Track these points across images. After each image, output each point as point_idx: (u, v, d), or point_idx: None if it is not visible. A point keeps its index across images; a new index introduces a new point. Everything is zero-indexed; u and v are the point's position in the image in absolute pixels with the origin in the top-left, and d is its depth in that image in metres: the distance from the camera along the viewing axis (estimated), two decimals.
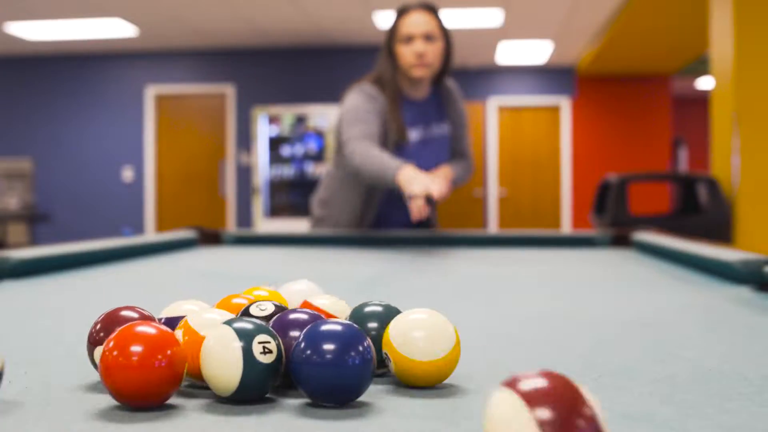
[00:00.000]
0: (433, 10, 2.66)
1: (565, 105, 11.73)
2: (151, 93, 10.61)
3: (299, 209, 9.70)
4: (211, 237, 2.63)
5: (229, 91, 10.53)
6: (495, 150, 11.83)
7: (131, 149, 10.64)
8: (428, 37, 2.60)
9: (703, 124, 13.92)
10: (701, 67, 11.23)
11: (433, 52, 2.61)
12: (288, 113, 9.61)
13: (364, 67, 9.85)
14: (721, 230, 4.71)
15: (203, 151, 10.75)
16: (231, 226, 10.52)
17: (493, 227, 11.57)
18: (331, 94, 10.11)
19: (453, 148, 2.85)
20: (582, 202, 11.67)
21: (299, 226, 9.50)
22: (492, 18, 8.62)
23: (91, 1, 7.95)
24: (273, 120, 9.68)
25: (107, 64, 10.63)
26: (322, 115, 9.47)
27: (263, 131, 9.66)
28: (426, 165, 2.58)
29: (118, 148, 10.64)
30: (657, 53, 10.15)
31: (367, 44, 10.15)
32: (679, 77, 12.10)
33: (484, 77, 11.77)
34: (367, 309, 0.79)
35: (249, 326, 0.67)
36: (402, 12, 2.64)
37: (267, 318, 0.79)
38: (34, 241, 10.69)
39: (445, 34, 2.68)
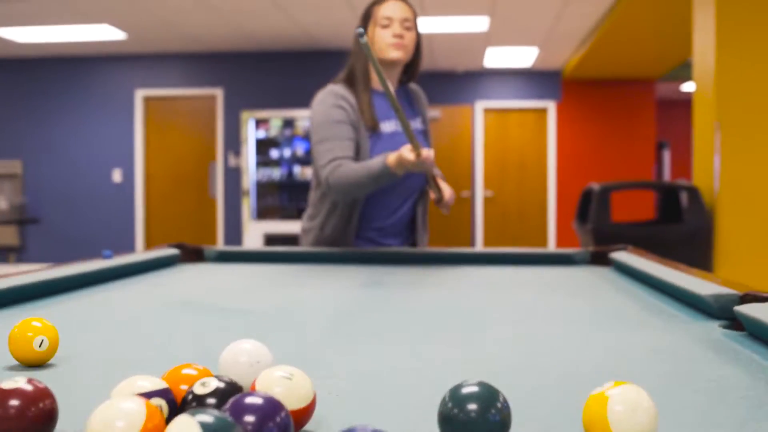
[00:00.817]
0: (408, 3, 2.67)
1: (551, 108, 11.84)
2: (140, 96, 10.64)
3: (287, 212, 9.77)
4: (193, 254, 2.66)
5: (217, 94, 10.58)
6: (481, 153, 11.93)
7: (121, 152, 10.68)
8: (406, 24, 2.60)
9: (686, 125, 14.03)
10: (685, 72, 11.34)
11: (409, 38, 2.61)
12: (276, 117, 9.67)
13: None
14: (702, 238, 4.81)
15: (193, 154, 10.80)
16: (220, 229, 10.57)
17: (479, 227, 11.67)
18: None
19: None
20: (567, 204, 11.78)
21: (287, 227, 9.57)
22: (479, 24, 8.71)
23: (79, 7, 7.99)
24: (261, 123, 9.74)
25: (97, 67, 10.66)
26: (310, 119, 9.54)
27: (251, 134, 9.72)
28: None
29: (108, 150, 10.67)
30: (642, 59, 10.25)
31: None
32: (663, 81, 12.21)
33: (471, 81, 11.86)
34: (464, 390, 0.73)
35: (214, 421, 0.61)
36: (377, 1, 2.65)
37: (213, 395, 0.75)
38: (24, 243, 10.72)
39: (417, 30, 2.66)
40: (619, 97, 11.84)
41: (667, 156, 13.04)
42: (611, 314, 1.57)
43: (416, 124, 2.75)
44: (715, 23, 4.88)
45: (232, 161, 10.46)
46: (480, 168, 11.90)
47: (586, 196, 5.20)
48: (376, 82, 2.70)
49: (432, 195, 2.60)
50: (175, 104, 10.81)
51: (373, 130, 2.62)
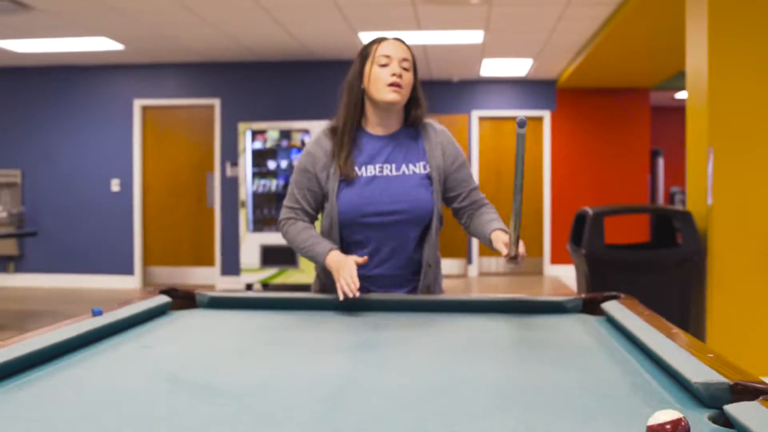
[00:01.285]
0: (406, 44, 2.65)
1: (545, 117, 11.90)
2: (138, 105, 10.68)
3: None
4: (184, 301, 2.66)
5: (215, 104, 10.62)
6: (477, 161, 11.99)
7: (119, 161, 10.71)
8: (404, 65, 2.58)
9: (680, 132, 14.08)
10: (680, 81, 11.40)
11: (407, 78, 2.59)
12: (273, 128, 9.71)
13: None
14: (695, 264, 4.87)
15: (191, 163, 10.85)
16: (217, 239, 10.61)
17: (475, 241, 11.73)
18: (316, 111, 10.22)
19: (467, 197, 2.73)
20: (562, 212, 11.84)
21: (282, 239, 9.60)
22: (473, 37, 8.77)
23: (77, 21, 8.03)
24: (258, 134, 9.78)
25: (96, 76, 10.70)
26: (307, 131, 9.57)
27: (248, 146, 9.76)
28: (380, 199, 2.61)
29: (106, 159, 10.71)
30: (636, 70, 10.32)
31: (353, 60, 10.25)
32: (657, 90, 12.27)
33: (466, 90, 11.92)
34: None
35: None
36: (378, 40, 2.64)
37: None
38: (23, 252, 10.76)
39: (416, 71, 2.65)
40: (614, 106, 11.91)
41: (661, 163, 13.10)
42: (590, 395, 1.53)
43: (414, 168, 2.66)
44: (708, 40, 4.93)
45: (229, 171, 10.51)
46: (476, 176, 11.96)
47: (580, 220, 5.25)
48: (371, 125, 2.68)
49: (504, 251, 2.46)
50: (173, 114, 10.86)
51: (348, 177, 2.60)
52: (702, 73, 4.99)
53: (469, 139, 11.96)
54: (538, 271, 12.08)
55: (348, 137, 2.62)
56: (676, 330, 1.99)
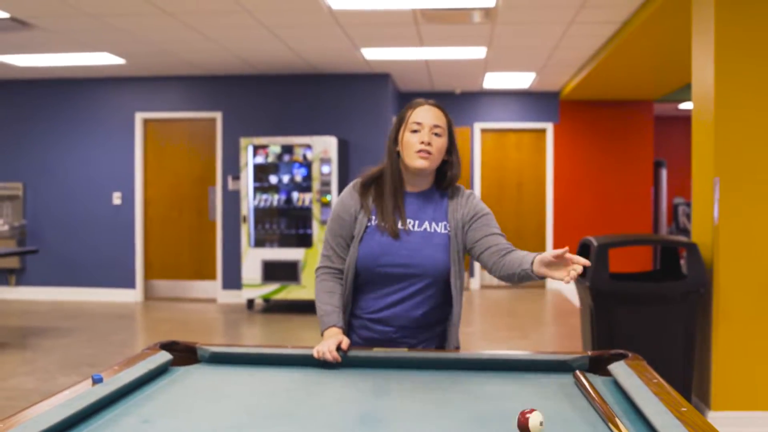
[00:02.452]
0: (442, 109, 2.75)
1: (548, 129, 11.87)
2: (140, 118, 10.65)
3: (285, 239, 9.78)
4: (185, 355, 2.63)
5: (217, 117, 10.59)
6: (479, 173, 11.96)
7: (121, 174, 10.69)
8: (436, 131, 2.68)
9: (683, 142, 14.06)
10: (684, 94, 11.36)
11: (437, 145, 2.67)
12: (274, 144, 9.67)
13: (351, 95, 9.98)
14: (701, 295, 4.83)
15: (192, 177, 10.82)
16: (219, 253, 10.58)
17: None
18: (318, 126, 10.20)
19: (490, 240, 2.68)
20: (565, 224, 11.83)
21: (285, 254, 9.58)
22: (476, 53, 8.73)
23: (78, 38, 8.01)
24: (259, 149, 9.74)
25: (97, 89, 10.67)
26: (308, 146, 9.54)
27: (250, 160, 9.72)
28: (398, 252, 2.68)
29: (108, 172, 10.68)
30: (640, 83, 10.28)
31: (355, 73, 10.25)
32: (661, 102, 12.23)
33: (469, 102, 11.89)
34: None
35: None
36: (414, 105, 2.74)
37: None
38: (24, 265, 10.73)
39: (451, 134, 2.74)
40: (617, 118, 11.87)
41: (664, 174, 13.04)
42: None
43: (438, 228, 2.71)
44: (714, 60, 4.90)
45: (231, 185, 10.48)
46: (478, 188, 11.93)
47: (584, 249, 5.21)
48: (409, 185, 2.76)
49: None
50: (175, 127, 10.83)
51: (394, 235, 2.68)
52: (708, 103, 4.96)
53: (472, 151, 11.93)
54: (540, 285, 12.04)
55: (391, 197, 2.72)
56: (686, 408, 1.95)
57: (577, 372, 2.40)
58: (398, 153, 2.74)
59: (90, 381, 2.16)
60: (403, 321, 2.73)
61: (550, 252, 2.33)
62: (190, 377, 2.45)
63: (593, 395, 2.14)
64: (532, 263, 2.42)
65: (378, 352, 2.64)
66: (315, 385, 2.37)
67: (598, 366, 2.55)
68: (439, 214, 2.74)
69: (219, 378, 2.46)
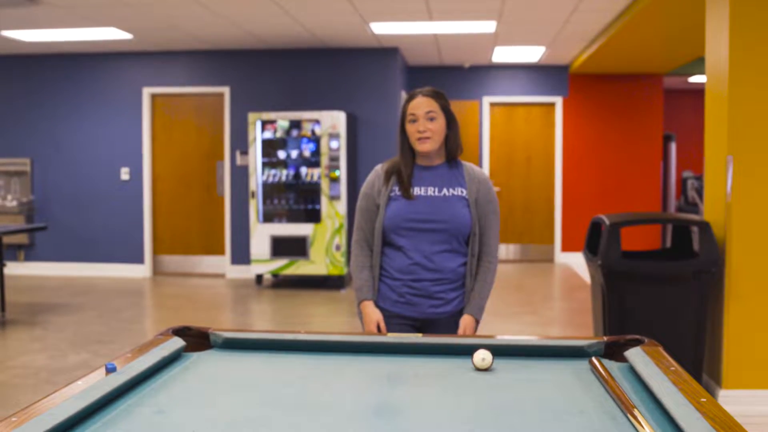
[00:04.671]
0: (434, 95, 3.15)
1: (558, 103, 11.79)
2: (147, 93, 10.61)
3: (294, 213, 9.76)
4: (198, 341, 2.62)
5: (224, 92, 10.54)
6: (488, 147, 11.91)
7: (129, 149, 10.66)
8: (430, 117, 3.11)
9: (692, 116, 13.97)
10: (694, 67, 11.27)
11: (433, 128, 3.11)
12: (283, 119, 9.63)
13: (360, 70, 9.91)
14: (713, 276, 4.80)
15: (200, 152, 10.79)
16: (227, 229, 10.57)
17: None
18: (326, 101, 10.14)
19: (477, 238, 3.19)
20: (574, 198, 11.79)
21: (293, 230, 9.57)
22: (486, 27, 8.65)
23: (85, 13, 7.95)
24: (268, 124, 9.70)
25: (104, 65, 10.62)
26: (317, 121, 9.49)
27: (258, 135, 9.68)
28: (423, 210, 3.14)
29: (115, 148, 10.66)
30: (651, 57, 10.19)
31: (364, 48, 10.18)
32: (671, 75, 12.13)
33: (478, 76, 11.81)
34: None
35: None
36: (410, 97, 3.16)
37: None
38: (32, 241, 10.75)
39: (446, 113, 3.15)
40: (627, 92, 11.79)
41: (673, 148, 12.96)
42: None
43: (455, 191, 3.17)
44: (729, 36, 4.84)
45: (239, 160, 10.45)
46: (486, 163, 11.88)
47: (595, 228, 5.18)
48: (419, 159, 3.22)
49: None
50: (183, 102, 10.78)
51: (412, 197, 3.16)
52: (722, 79, 4.90)
53: (480, 125, 11.86)
54: (549, 259, 12.03)
55: (404, 168, 3.20)
56: (705, 399, 1.92)
57: (593, 359, 2.38)
58: (407, 139, 3.20)
59: (103, 370, 2.15)
60: (435, 275, 3.14)
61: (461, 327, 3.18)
62: (204, 364, 2.44)
63: (611, 384, 2.12)
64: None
65: (391, 337, 2.63)
66: (330, 373, 2.36)
67: (613, 352, 2.53)
68: (454, 181, 3.19)
69: (233, 365, 2.44)
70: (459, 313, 3.20)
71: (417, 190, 3.17)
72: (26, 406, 1.85)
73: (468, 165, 3.27)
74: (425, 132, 3.11)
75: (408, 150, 3.21)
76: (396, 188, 3.20)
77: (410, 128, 3.14)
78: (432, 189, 3.17)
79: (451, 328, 3.19)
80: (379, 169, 3.31)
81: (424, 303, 3.15)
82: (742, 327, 4.83)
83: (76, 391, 1.99)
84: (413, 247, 3.14)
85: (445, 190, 3.17)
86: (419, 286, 3.14)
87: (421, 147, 3.13)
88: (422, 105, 3.11)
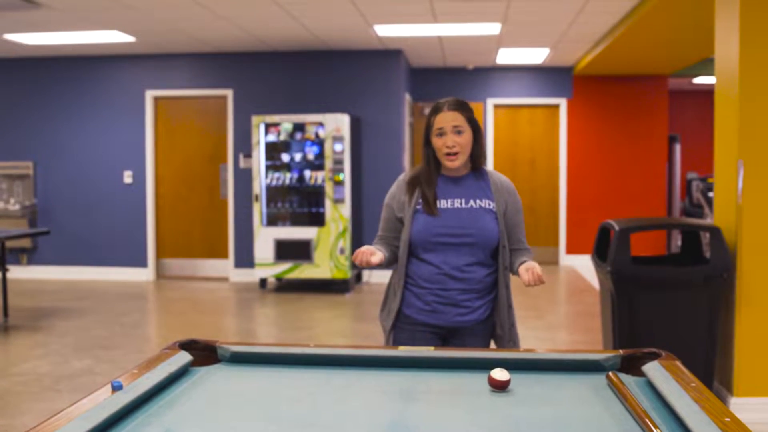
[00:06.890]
0: (460, 107, 3.11)
1: (562, 104, 11.74)
2: (150, 96, 10.57)
3: (297, 217, 9.71)
4: (205, 354, 2.57)
5: (228, 94, 10.49)
6: (492, 149, 11.86)
7: (132, 153, 10.62)
8: (457, 131, 3.07)
9: (697, 117, 13.92)
10: (699, 69, 11.21)
11: (461, 142, 3.08)
12: (286, 121, 9.58)
13: (363, 72, 9.86)
14: (724, 281, 4.74)
15: (204, 155, 10.74)
16: (231, 232, 10.52)
17: None
18: (330, 103, 10.08)
19: (512, 237, 3.21)
20: (578, 200, 11.75)
21: (297, 233, 9.51)
22: (490, 29, 8.60)
23: (88, 16, 7.91)
24: (271, 127, 9.64)
25: (107, 68, 10.58)
26: (321, 124, 9.44)
27: (262, 138, 9.63)
28: (451, 224, 3.10)
29: (118, 151, 10.61)
30: (656, 58, 10.14)
31: (367, 50, 10.13)
32: (675, 77, 12.07)
33: (482, 77, 11.77)
34: None
35: None
36: (435, 110, 3.12)
37: None
38: (35, 245, 10.70)
39: (473, 125, 3.12)
40: (631, 93, 11.74)
41: (677, 149, 12.92)
42: None
43: (482, 203, 3.15)
44: (739, 32, 4.78)
45: (242, 163, 10.40)
46: (490, 165, 11.82)
47: (604, 233, 5.12)
48: (444, 170, 3.18)
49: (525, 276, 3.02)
50: (186, 105, 10.74)
51: (431, 213, 3.11)
52: (733, 81, 4.84)
53: (484, 127, 11.80)
54: (554, 261, 11.97)
55: (427, 185, 3.15)
56: (729, 419, 1.87)
57: (611, 374, 2.32)
58: (433, 152, 3.16)
59: (109, 387, 2.10)
60: (462, 284, 3.10)
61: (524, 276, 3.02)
62: (211, 380, 2.39)
63: (631, 401, 2.06)
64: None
65: (403, 351, 2.58)
66: (340, 389, 2.30)
67: (630, 365, 2.48)
68: (481, 193, 3.17)
69: (241, 380, 2.39)
70: (485, 321, 3.17)
71: (443, 203, 3.14)
72: (31, 428, 1.81)
73: (494, 174, 3.25)
74: (454, 147, 3.08)
75: (433, 161, 3.18)
76: (421, 201, 3.16)
77: (437, 142, 3.10)
78: (459, 201, 3.15)
79: (477, 336, 3.17)
80: (401, 179, 3.27)
81: (450, 311, 3.11)
82: (754, 333, 4.77)
83: (82, 410, 1.94)
84: (441, 261, 3.10)
85: (472, 202, 3.15)
86: (446, 295, 3.10)
87: (451, 164, 3.10)
88: (449, 119, 3.08)
